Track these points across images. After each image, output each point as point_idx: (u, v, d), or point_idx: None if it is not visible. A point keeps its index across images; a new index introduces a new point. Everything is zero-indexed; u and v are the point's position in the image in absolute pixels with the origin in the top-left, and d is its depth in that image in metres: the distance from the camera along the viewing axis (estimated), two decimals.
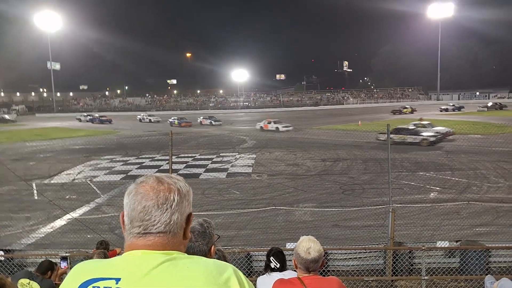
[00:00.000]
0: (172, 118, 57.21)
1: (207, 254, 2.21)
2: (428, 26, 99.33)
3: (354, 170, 22.46)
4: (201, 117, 61.78)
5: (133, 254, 1.28)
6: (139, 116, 70.00)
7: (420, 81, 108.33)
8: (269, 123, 47.71)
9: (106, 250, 6.86)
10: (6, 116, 76.04)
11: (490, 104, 67.16)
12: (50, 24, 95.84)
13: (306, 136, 38.51)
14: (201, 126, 56.47)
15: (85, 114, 75.72)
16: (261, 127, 48.16)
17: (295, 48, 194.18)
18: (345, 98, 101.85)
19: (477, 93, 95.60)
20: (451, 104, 70.02)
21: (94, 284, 1.24)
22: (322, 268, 2.93)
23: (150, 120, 66.99)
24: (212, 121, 58.59)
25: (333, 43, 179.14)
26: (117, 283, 1.22)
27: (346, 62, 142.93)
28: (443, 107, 67.22)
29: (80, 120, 71.06)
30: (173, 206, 1.31)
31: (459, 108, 65.72)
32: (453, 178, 19.80)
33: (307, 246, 2.89)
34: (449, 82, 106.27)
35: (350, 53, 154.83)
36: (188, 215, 1.38)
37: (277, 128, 46.24)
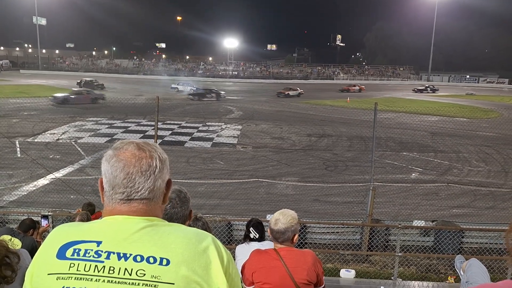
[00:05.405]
0: None
1: (187, 218, 2.33)
2: (424, 4, 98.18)
3: (339, 147, 22.64)
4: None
5: (115, 218, 1.30)
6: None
7: (412, 60, 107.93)
8: None
9: (91, 212, 6.91)
10: None
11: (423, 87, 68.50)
12: None
13: (293, 110, 38.51)
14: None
15: None
16: None
17: (288, 18, 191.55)
18: (336, 73, 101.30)
19: (467, 76, 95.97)
20: (427, 85, 70.48)
21: (75, 247, 1.25)
22: (294, 242, 3.02)
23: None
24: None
25: (328, 15, 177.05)
26: (98, 246, 1.24)
27: (339, 36, 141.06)
28: (419, 88, 67.86)
29: None
30: (155, 173, 1.33)
31: (434, 91, 66.34)
32: (436, 160, 20.13)
33: (276, 217, 3.04)
34: (441, 63, 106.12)
35: (344, 27, 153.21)
36: (168, 181, 1.40)
37: None
